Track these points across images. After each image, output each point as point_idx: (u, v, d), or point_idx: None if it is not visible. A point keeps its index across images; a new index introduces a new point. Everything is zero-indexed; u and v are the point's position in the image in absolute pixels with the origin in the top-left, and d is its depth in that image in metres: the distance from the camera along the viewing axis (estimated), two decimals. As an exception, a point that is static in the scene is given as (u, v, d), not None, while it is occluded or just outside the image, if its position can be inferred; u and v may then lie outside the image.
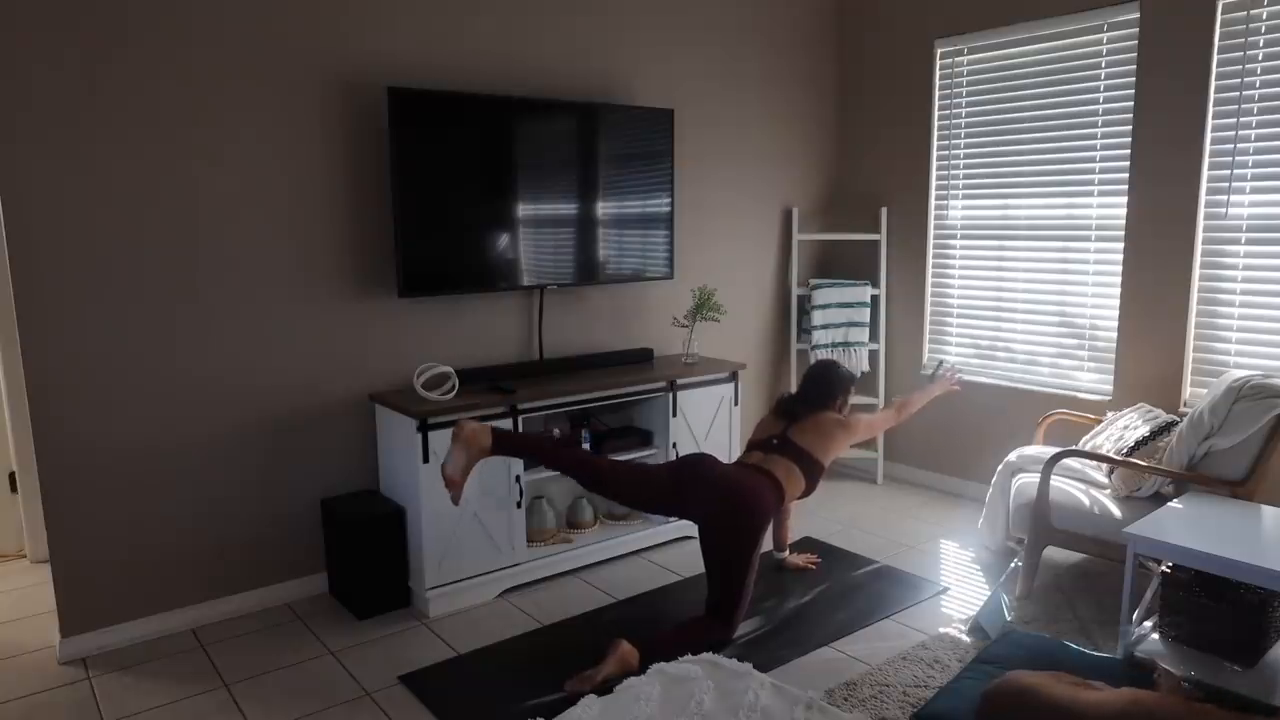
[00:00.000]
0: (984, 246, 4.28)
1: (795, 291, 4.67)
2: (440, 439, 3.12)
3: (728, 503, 2.85)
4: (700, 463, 2.98)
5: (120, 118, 2.82)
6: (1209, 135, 3.46)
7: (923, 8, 4.35)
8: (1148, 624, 2.80)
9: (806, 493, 3.17)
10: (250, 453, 3.19)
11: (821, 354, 4.53)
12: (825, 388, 3.30)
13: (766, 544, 3.61)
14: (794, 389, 4.72)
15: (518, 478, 3.35)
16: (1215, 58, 3.40)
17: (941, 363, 3.90)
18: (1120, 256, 3.75)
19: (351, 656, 2.92)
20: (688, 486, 2.92)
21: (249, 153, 3.06)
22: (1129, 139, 3.67)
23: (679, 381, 3.77)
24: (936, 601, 3.26)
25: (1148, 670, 2.37)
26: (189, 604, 3.13)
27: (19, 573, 3.64)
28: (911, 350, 4.62)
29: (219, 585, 3.18)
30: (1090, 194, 3.86)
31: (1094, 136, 3.81)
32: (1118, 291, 3.78)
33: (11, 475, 3.77)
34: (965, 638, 2.95)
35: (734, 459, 3.49)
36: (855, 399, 3.88)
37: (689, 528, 3.75)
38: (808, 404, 3.26)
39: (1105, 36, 3.74)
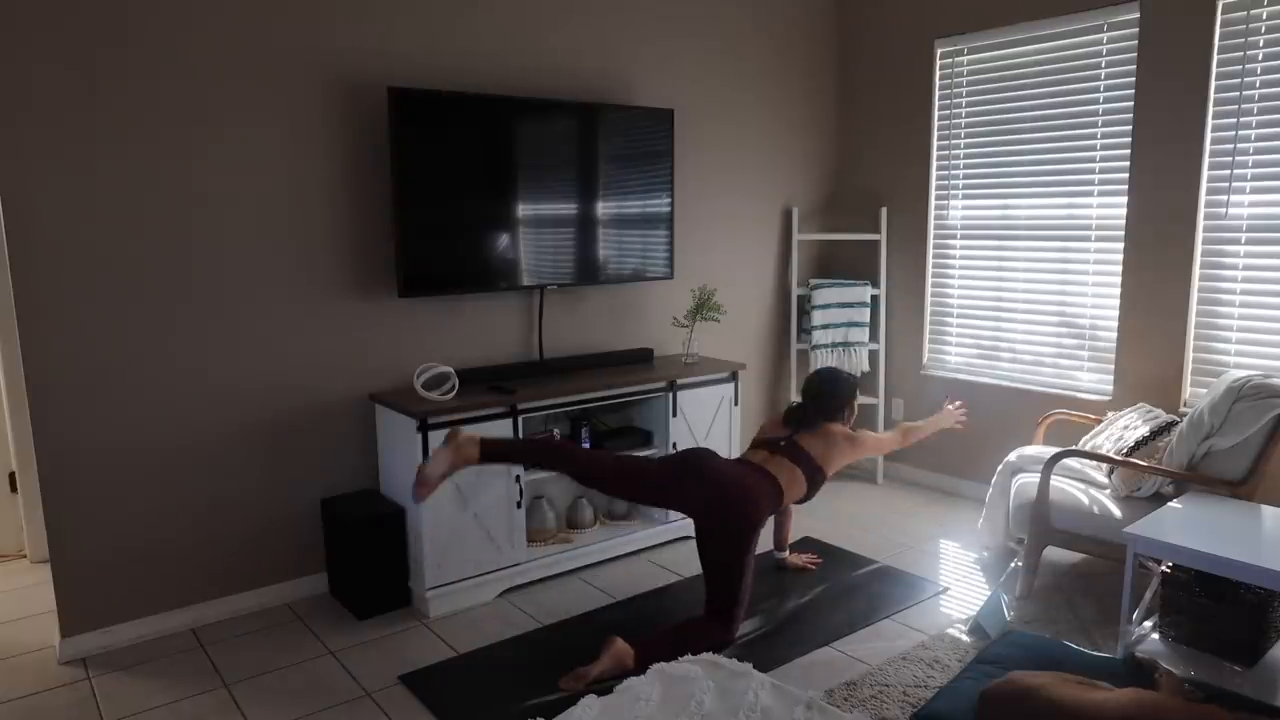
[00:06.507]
0: (984, 246, 4.28)
1: (795, 291, 4.67)
2: (440, 439, 3.11)
3: (723, 500, 2.85)
4: (700, 458, 2.98)
5: (120, 118, 2.82)
6: (1209, 135, 3.46)
7: (923, 8, 4.35)
8: (1148, 624, 2.80)
9: (806, 498, 3.17)
10: (250, 452, 3.19)
11: (822, 354, 4.54)
12: (832, 398, 3.29)
13: (766, 544, 3.61)
14: (795, 392, 4.73)
15: (518, 477, 3.35)
16: (1215, 58, 3.40)
17: (949, 397, 3.92)
18: (1120, 256, 3.75)
19: (351, 656, 2.92)
20: (688, 480, 2.92)
21: (249, 153, 3.06)
22: (1129, 139, 3.67)
23: (679, 381, 3.77)
24: (936, 601, 3.26)
25: (1149, 671, 2.36)
26: (189, 604, 3.13)
27: (19, 573, 3.64)
28: (911, 350, 4.62)
29: (219, 585, 3.18)
30: (1090, 194, 3.86)
31: (1094, 136, 3.81)
32: (1118, 291, 3.78)
33: (11, 475, 3.77)
34: (965, 638, 2.95)
35: (735, 456, 3.50)
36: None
37: (689, 527, 3.75)
38: (817, 414, 3.26)
39: (1105, 36, 3.74)
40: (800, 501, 3.21)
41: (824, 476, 3.15)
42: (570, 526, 3.73)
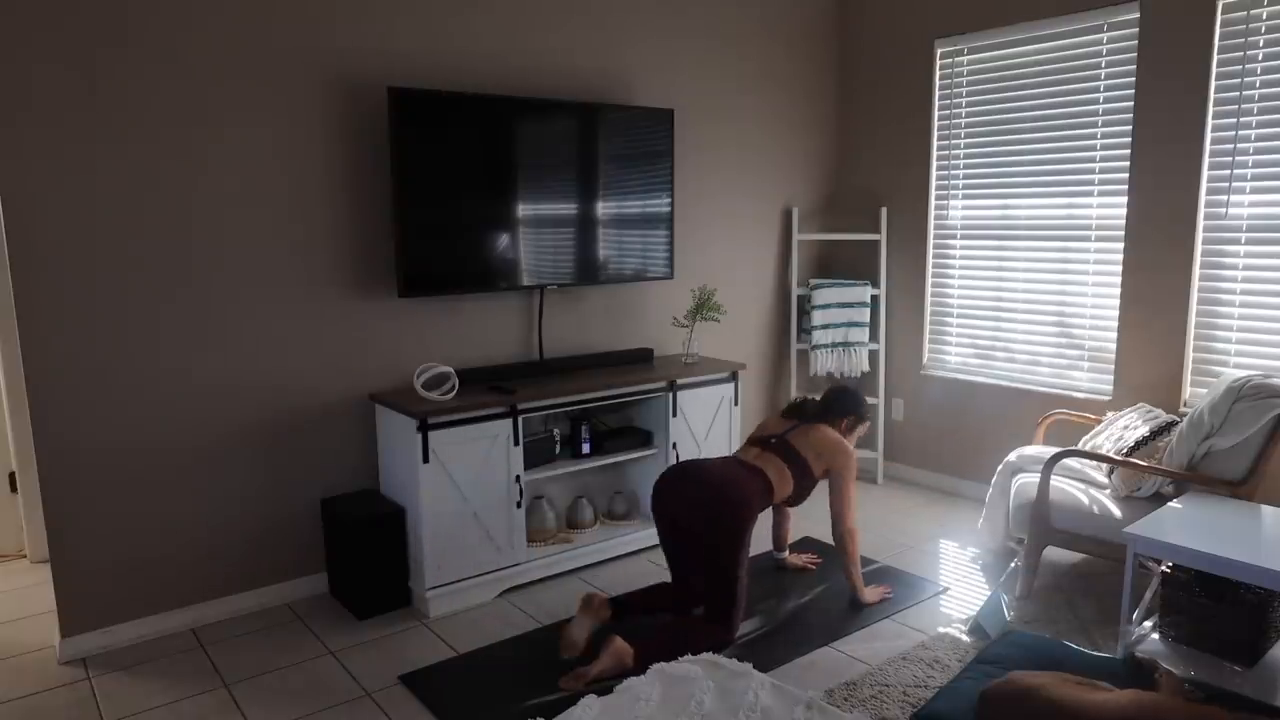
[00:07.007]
0: (984, 246, 4.28)
1: (795, 291, 4.67)
2: (440, 439, 3.12)
3: (718, 499, 2.85)
4: (684, 467, 3.01)
5: (120, 118, 2.82)
6: (1209, 135, 3.46)
7: (923, 8, 4.35)
8: (1148, 624, 2.80)
9: (796, 499, 3.17)
10: (250, 452, 3.19)
11: (822, 354, 4.54)
12: (836, 402, 3.29)
13: (764, 544, 3.61)
14: (794, 392, 4.73)
15: (518, 478, 3.35)
16: (1215, 58, 3.40)
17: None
18: (1120, 256, 3.75)
19: (351, 656, 2.92)
20: (687, 483, 2.92)
21: (249, 153, 3.06)
22: (1129, 139, 3.67)
23: (679, 381, 3.77)
24: (936, 601, 3.26)
25: (1149, 671, 2.36)
26: (189, 604, 3.13)
27: (19, 573, 3.64)
28: (911, 350, 4.62)
29: (219, 585, 3.18)
30: (1090, 194, 3.86)
31: (1094, 136, 3.81)
32: (1118, 291, 3.78)
33: (11, 475, 3.77)
34: (965, 638, 2.95)
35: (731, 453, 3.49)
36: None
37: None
38: (818, 413, 3.25)
39: (1105, 36, 3.74)
40: (789, 504, 3.21)
41: (813, 478, 3.14)
42: (570, 526, 3.73)
